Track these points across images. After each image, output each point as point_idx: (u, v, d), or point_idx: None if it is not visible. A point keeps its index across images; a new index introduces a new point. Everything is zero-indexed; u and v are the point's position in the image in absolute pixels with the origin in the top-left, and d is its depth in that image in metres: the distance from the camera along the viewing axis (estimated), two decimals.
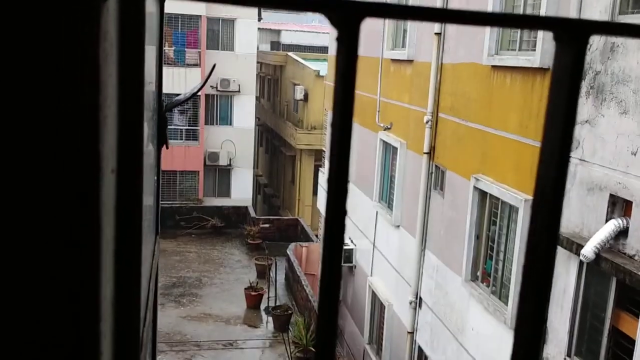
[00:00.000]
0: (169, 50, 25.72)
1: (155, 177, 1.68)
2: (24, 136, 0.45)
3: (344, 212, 0.48)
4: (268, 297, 17.99)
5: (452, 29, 10.16)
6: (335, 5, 0.47)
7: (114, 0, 0.55)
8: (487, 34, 8.78)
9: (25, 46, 0.44)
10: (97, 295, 0.51)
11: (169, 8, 26.87)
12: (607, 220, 6.34)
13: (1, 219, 0.46)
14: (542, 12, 7.53)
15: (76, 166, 0.47)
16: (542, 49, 7.50)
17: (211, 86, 26.41)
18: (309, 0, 0.48)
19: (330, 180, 0.47)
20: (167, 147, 1.75)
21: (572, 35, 0.50)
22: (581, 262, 6.66)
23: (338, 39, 0.49)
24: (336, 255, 0.46)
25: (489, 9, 8.74)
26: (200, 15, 25.73)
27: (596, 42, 6.66)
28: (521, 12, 8.28)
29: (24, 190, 0.46)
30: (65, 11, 0.43)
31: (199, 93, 25.69)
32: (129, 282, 0.71)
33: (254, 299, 18.08)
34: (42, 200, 0.46)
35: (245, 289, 18.30)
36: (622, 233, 6.19)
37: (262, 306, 18.15)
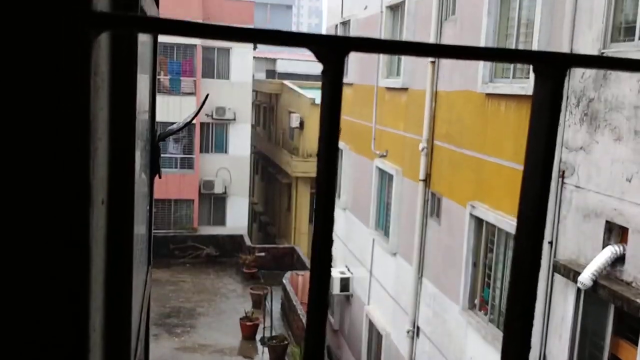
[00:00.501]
0: (164, 79, 25.89)
1: (148, 207, 1.67)
2: (13, 167, 0.45)
3: (330, 240, 0.48)
4: (264, 327, 17.79)
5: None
6: (320, 41, 0.48)
7: (106, 35, 0.56)
8: (481, 62, 8.88)
9: (17, 80, 0.44)
10: (86, 326, 0.50)
11: (164, 37, 27.13)
12: (603, 247, 6.34)
13: None
14: (535, 40, 7.63)
15: (66, 197, 0.46)
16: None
17: (206, 114, 26.52)
18: (295, 36, 0.49)
19: (317, 211, 0.47)
20: (159, 177, 1.75)
21: (551, 68, 0.51)
22: (579, 290, 6.63)
23: (323, 72, 0.50)
24: (324, 286, 0.45)
25: (482, 37, 8.86)
26: (196, 45, 25.97)
27: (588, 69, 6.74)
28: (514, 39, 8.39)
29: (12, 218, 0.46)
30: (57, 47, 0.43)
31: (194, 121, 25.78)
32: (119, 313, 0.70)
33: (249, 330, 17.88)
34: (31, 230, 0.46)
35: (240, 319, 18.11)
36: (619, 260, 6.17)
37: (258, 337, 17.94)
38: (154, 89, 1.76)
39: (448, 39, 10.18)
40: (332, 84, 0.48)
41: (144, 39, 1.32)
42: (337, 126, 0.51)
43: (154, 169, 1.65)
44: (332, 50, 0.49)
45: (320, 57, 0.49)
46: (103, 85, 0.56)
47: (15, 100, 0.44)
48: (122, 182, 0.67)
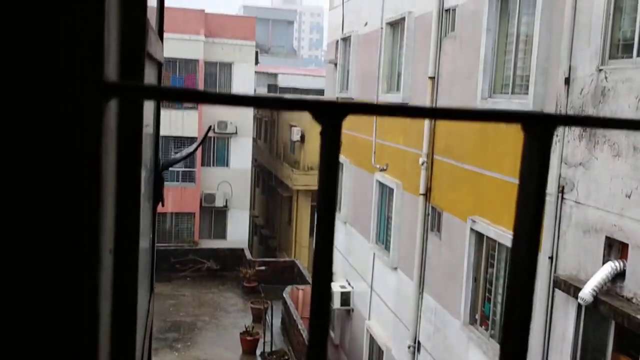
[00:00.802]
0: None
1: (151, 235, 1.70)
2: (27, 220, 0.48)
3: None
4: (264, 342, 17.72)
5: (445, 73, 10.33)
6: (320, 106, 0.51)
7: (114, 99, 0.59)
8: (480, 77, 8.94)
9: (33, 142, 0.47)
10: None
11: (167, 52, 27.17)
12: (604, 263, 6.34)
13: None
14: (534, 56, 7.68)
15: (75, 250, 0.49)
16: (534, 93, 7.63)
17: (211, 131, 26.55)
18: (296, 102, 0.52)
19: (314, 277, 0.50)
20: (162, 205, 1.78)
21: (539, 128, 0.54)
22: (579, 305, 6.63)
23: (321, 133, 0.52)
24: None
25: (482, 53, 8.92)
26: (198, 60, 26.11)
27: (587, 85, 6.78)
28: (513, 55, 8.45)
29: (22, 271, 0.48)
30: (70, 115, 0.46)
31: (195, 135, 25.86)
32: (123, 351, 0.72)
33: (249, 344, 17.81)
34: (42, 286, 0.48)
35: (240, 333, 18.05)
36: (620, 275, 6.18)
37: (258, 351, 17.86)
38: (159, 116, 1.80)
39: (447, 56, 10.25)
40: (330, 145, 0.51)
41: (150, 78, 1.35)
42: (335, 183, 0.54)
43: (157, 198, 1.68)
44: (331, 114, 0.51)
45: (319, 120, 0.52)
46: (111, 142, 0.59)
47: (31, 159, 0.47)
48: (129, 229, 0.70)
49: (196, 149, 2.58)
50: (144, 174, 1.38)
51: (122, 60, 0.71)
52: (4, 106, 0.45)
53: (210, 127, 3.32)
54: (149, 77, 1.26)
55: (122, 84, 0.46)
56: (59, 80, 0.45)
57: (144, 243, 1.37)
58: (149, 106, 1.44)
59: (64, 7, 0.45)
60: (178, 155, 2.59)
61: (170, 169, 26.20)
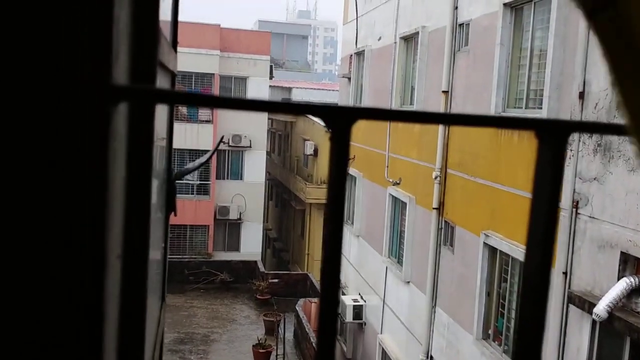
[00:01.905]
0: (182, 107, 26.19)
1: (163, 244, 1.71)
2: (35, 226, 0.48)
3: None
4: (277, 355, 17.66)
5: (459, 87, 10.33)
6: (330, 111, 0.52)
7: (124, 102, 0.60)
8: (494, 90, 8.92)
9: (38, 144, 0.48)
10: None
11: (182, 66, 27.34)
12: (619, 278, 6.27)
13: (5, 316, 0.49)
14: (548, 70, 7.65)
15: (81, 257, 0.50)
16: (548, 107, 7.60)
17: (223, 142, 26.73)
18: (306, 106, 0.52)
19: (323, 268, 0.50)
20: (175, 215, 1.79)
21: (552, 135, 0.53)
22: (594, 321, 6.54)
23: (331, 139, 0.53)
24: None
25: (495, 68, 8.90)
26: (214, 74, 26.31)
27: (602, 100, 6.74)
28: (527, 69, 8.42)
29: (26, 277, 0.49)
30: (77, 119, 0.47)
31: (210, 149, 25.99)
32: None
33: (262, 357, 17.75)
34: (47, 292, 0.49)
35: (253, 346, 18.00)
36: (635, 291, 6.10)
37: None
38: (172, 125, 1.82)
39: (461, 70, 10.25)
40: (340, 150, 0.51)
41: (159, 74, 1.36)
42: (344, 189, 0.54)
43: (170, 207, 1.69)
44: (341, 118, 0.52)
45: (329, 125, 0.52)
46: (121, 148, 0.59)
47: (38, 164, 0.48)
48: (138, 236, 0.71)
49: (209, 158, 2.60)
50: (156, 183, 1.39)
51: (133, 67, 0.72)
52: (9, 107, 0.46)
53: (222, 137, 3.35)
54: (162, 86, 1.28)
55: (130, 87, 0.47)
56: (65, 82, 0.46)
57: (156, 252, 1.38)
58: (162, 116, 1.45)
59: (71, 8, 0.46)
60: (191, 165, 2.61)
61: (185, 181, 26.36)
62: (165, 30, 1.38)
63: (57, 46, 0.46)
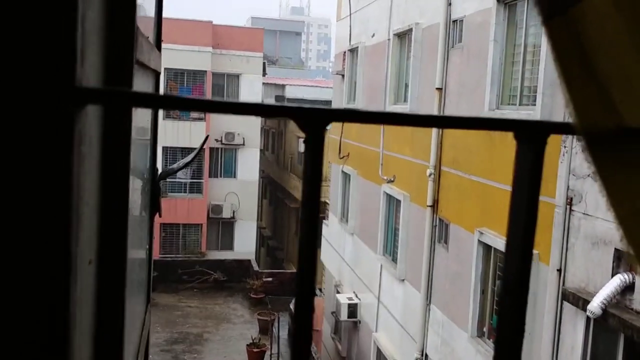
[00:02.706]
0: None
1: (148, 246, 1.68)
2: None
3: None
4: (270, 354, 17.66)
5: (453, 84, 10.32)
6: (303, 113, 0.50)
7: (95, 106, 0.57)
8: (488, 87, 8.92)
9: None
10: None
11: (175, 64, 27.20)
12: (613, 275, 6.28)
13: None
14: (542, 67, 7.65)
15: (47, 262, 0.47)
16: (542, 104, 7.60)
17: (216, 139, 26.70)
18: (279, 108, 0.51)
19: (299, 268, 0.49)
20: (160, 216, 1.76)
21: (531, 136, 0.52)
22: (588, 318, 6.56)
23: (305, 141, 0.51)
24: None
25: (489, 64, 8.90)
26: (206, 71, 26.25)
27: None
28: (520, 66, 8.42)
29: None
30: (40, 122, 0.44)
31: (204, 147, 25.94)
32: None
33: (256, 356, 17.74)
34: (9, 298, 0.47)
35: (247, 345, 17.99)
36: (629, 288, 6.11)
37: None
38: (156, 125, 1.79)
39: (454, 67, 10.24)
40: (314, 151, 0.50)
41: (142, 73, 1.34)
42: (319, 191, 0.52)
43: (154, 208, 1.67)
44: (314, 120, 0.50)
45: (302, 127, 0.51)
46: (91, 149, 0.57)
47: None
48: (115, 240, 0.68)
49: (193, 158, 2.58)
50: (139, 184, 1.36)
51: (107, 67, 0.70)
52: None
53: (208, 136, 3.34)
54: (144, 85, 1.25)
55: (96, 90, 0.45)
56: (25, 84, 0.44)
57: (139, 253, 1.36)
58: (145, 116, 1.42)
59: (32, 8, 0.44)
60: (175, 166, 2.59)
61: (178, 180, 26.30)
62: (148, 29, 1.35)
63: (16, 48, 0.44)
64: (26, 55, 0.43)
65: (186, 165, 2.64)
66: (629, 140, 0.48)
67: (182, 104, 0.49)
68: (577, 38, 0.46)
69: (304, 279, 0.46)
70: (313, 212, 0.50)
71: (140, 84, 1.14)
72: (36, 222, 0.46)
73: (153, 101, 0.47)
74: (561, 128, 0.53)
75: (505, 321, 0.52)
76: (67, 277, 0.48)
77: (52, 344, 0.49)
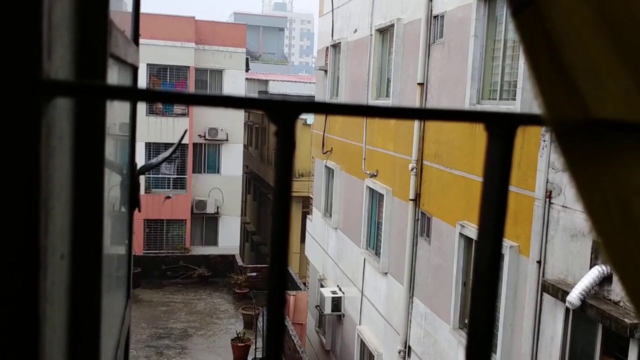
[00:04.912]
0: None
1: (127, 241, 1.68)
2: None
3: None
4: (255, 348, 17.66)
5: (434, 79, 10.37)
6: (273, 105, 0.51)
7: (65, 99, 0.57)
8: (469, 82, 8.98)
9: None
10: None
11: (157, 59, 26.98)
12: (591, 267, 6.37)
13: None
14: (521, 61, 7.72)
15: (14, 255, 0.47)
16: (522, 98, 7.66)
17: (199, 135, 26.57)
18: (250, 100, 0.51)
19: (270, 267, 0.49)
20: (139, 211, 1.76)
21: (502, 127, 0.53)
22: (567, 309, 6.65)
23: (276, 134, 0.52)
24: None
25: (469, 60, 8.95)
26: (189, 66, 26.09)
27: None
28: (501, 61, 8.49)
29: None
30: (2, 111, 0.44)
31: (187, 142, 25.81)
32: None
33: (241, 351, 17.73)
34: None
35: (232, 340, 17.97)
36: (607, 279, 6.20)
37: (250, 358, 17.79)
38: (135, 119, 1.78)
39: (436, 62, 10.29)
40: (285, 143, 0.51)
41: (119, 68, 1.33)
42: (290, 184, 0.53)
43: (133, 203, 1.66)
44: (284, 112, 0.51)
45: (273, 120, 0.51)
46: (61, 143, 0.57)
47: None
48: (89, 234, 0.68)
49: (172, 153, 2.57)
50: (118, 179, 1.36)
51: (80, 60, 0.70)
52: None
53: (186, 131, 3.32)
54: (120, 79, 1.25)
55: (63, 82, 0.45)
56: None
57: (117, 249, 1.35)
58: (123, 110, 1.42)
59: None
60: (154, 160, 2.58)
61: (162, 175, 26.14)
62: (125, 23, 1.34)
63: None
64: None
65: (166, 159, 2.63)
66: (596, 131, 0.48)
67: (153, 96, 0.49)
68: (545, 29, 0.46)
69: (276, 278, 0.46)
70: (284, 205, 0.51)
71: (117, 78, 1.14)
72: (2, 215, 0.46)
73: (121, 93, 0.48)
74: (530, 119, 0.54)
75: (476, 308, 0.53)
76: (36, 271, 0.48)
77: (19, 341, 0.49)
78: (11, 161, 0.45)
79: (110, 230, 1.06)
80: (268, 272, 0.50)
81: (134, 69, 1.53)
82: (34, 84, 0.44)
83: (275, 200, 0.51)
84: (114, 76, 1.09)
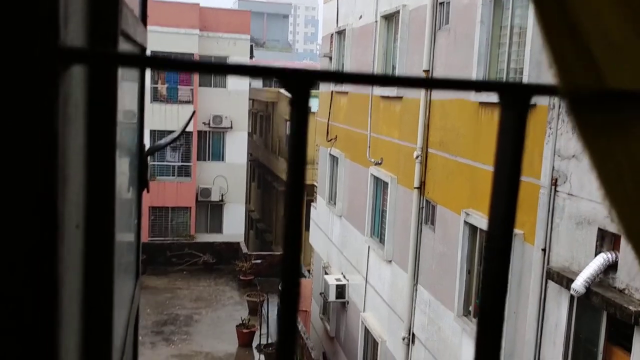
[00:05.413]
0: (162, 88, 25.94)
1: (136, 220, 1.69)
2: None
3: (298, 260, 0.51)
4: (260, 335, 17.77)
5: (440, 65, 10.32)
6: (288, 74, 0.51)
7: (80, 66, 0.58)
8: (475, 68, 8.94)
9: None
10: (55, 351, 0.51)
11: (161, 47, 26.95)
12: (596, 254, 6.36)
13: None
14: (527, 48, 7.67)
15: (32, 224, 0.48)
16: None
17: (204, 123, 26.57)
18: (266, 69, 0.51)
19: (285, 233, 0.50)
20: (147, 191, 1.77)
21: (515, 98, 0.53)
22: (572, 297, 6.65)
23: (291, 103, 0.52)
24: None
25: (475, 46, 8.91)
26: (193, 54, 26.03)
27: None
28: (507, 47, 8.44)
29: None
30: (23, 82, 0.45)
31: (191, 130, 25.82)
32: (98, 337, 0.72)
33: (245, 337, 17.85)
34: None
35: (237, 326, 18.08)
36: (612, 267, 6.20)
37: (254, 344, 17.91)
38: (143, 101, 1.79)
39: (441, 48, 10.24)
40: (300, 112, 0.51)
41: (127, 49, 1.34)
42: (304, 153, 0.53)
43: (142, 183, 1.67)
44: (299, 81, 0.51)
45: (288, 89, 0.51)
46: (76, 112, 0.58)
47: None
48: (100, 206, 0.69)
49: (180, 134, 2.57)
50: (127, 158, 1.37)
51: (93, 34, 0.70)
52: None
53: (194, 112, 3.33)
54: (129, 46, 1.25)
55: (81, 49, 0.45)
56: (9, 45, 0.44)
57: (127, 228, 1.36)
58: (131, 90, 1.42)
59: None
60: (162, 141, 2.59)
61: (166, 163, 26.18)
62: (133, 2, 1.34)
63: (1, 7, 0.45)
64: (8, 16, 0.44)
65: (174, 140, 2.64)
66: (610, 101, 0.48)
67: (166, 65, 0.50)
68: (564, 4, 0.45)
69: (290, 259, 0.47)
70: (298, 178, 0.51)
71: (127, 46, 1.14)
72: (23, 181, 0.47)
73: (137, 61, 0.48)
74: (545, 90, 0.54)
75: (487, 284, 0.54)
76: (55, 237, 0.49)
77: (39, 303, 0.50)
78: (31, 126, 0.45)
79: (121, 208, 1.07)
80: (282, 240, 0.50)
81: (142, 49, 1.53)
82: (52, 51, 0.45)
83: (290, 167, 0.52)
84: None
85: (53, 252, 0.47)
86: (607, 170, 0.51)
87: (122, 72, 0.97)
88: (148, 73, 24.38)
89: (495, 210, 0.56)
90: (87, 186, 0.65)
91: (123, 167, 1.20)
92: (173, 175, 26.45)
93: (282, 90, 30.66)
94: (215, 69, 0.50)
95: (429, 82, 0.56)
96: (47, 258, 0.47)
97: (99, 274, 0.72)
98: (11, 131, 0.45)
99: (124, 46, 0.94)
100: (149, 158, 1.80)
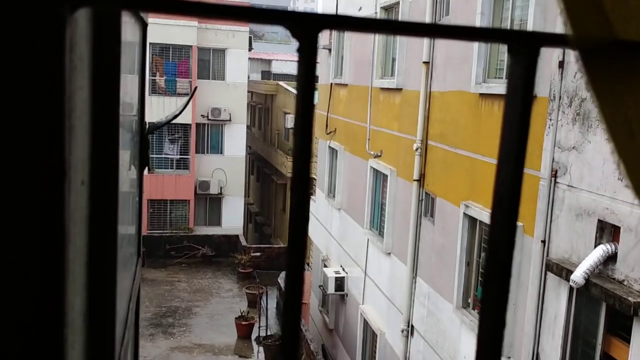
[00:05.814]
0: (160, 80, 25.86)
1: (138, 198, 1.68)
2: None
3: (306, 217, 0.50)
4: (259, 327, 17.80)
5: (440, 58, 10.30)
6: (295, 18, 0.49)
7: (86, 15, 0.57)
8: (475, 60, 8.92)
9: None
10: (62, 304, 0.51)
11: (160, 38, 26.86)
12: (595, 246, 6.37)
13: None
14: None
15: (39, 173, 0.47)
16: None
17: (202, 115, 26.52)
18: (270, 13, 0.50)
19: (293, 189, 0.49)
20: (149, 171, 1.76)
21: (524, 47, 0.52)
22: (571, 288, 6.66)
23: (298, 50, 0.51)
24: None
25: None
26: (192, 46, 25.96)
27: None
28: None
29: None
30: (28, 23, 0.44)
31: (190, 122, 25.77)
32: (103, 291, 0.71)
33: (244, 329, 17.88)
34: (3, 205, 0.47)
35: (236, 318, 18.12)
36: (611, 258, 6.21)
37: (253, 336, 17.94)
38: (143, 84, 1.78)
39: (441, 40, 10.20)
40: (306, 61, 0.50)
41: (132, 37, 1.33)
42: (312, 103, 0.52)
43: (144, 161, 1.66)
44: (308, 25, 0.50)
45: (294, 35, 0.50)
46: (82, 65, 0.57)
47: None
48: (105, 163, 0.68)
49: (181, 111, 2.57)
50: (129, 136, 1.36)
51: None
52: None
53: (196, 88, 3.32)
54: (132, 32, 1.24)
55: None
56: None
57: (129, 202, 1.35)
58: (132, 78, 1.41)
59: None
60: (164, 118, 2.58)
61: (165, 156, 26.14)
62: None
63: None
64: None
65: (175, 117, 2.64)
66: (620, 51, 0.48)
67: (170, 6, 0.49)
68: None
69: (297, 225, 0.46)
70: (307, 135, 0.50)
71: (132, 33, 1.13)
72: (29, 128, 0.46)
73: (139, 3, 0.47)
74: (554, 39, 0.53)
75: (491, 268, 0.53)
76: (61, 185, 0.48)
77: (46, 256, 0.50)
78: (38, 68, 0.44)
79: (123, 185, 1.06)
80: (291, 194, 0.49)
81: (144, 26, 1.52)
82: None
83: (297, 118, 0.50)
84: (126, 28, 1.08)
85: (60, 205, 0.47)
86: (616, 122, 0.51)
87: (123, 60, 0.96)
88: (147, 61, 24.27)
89: (504, 165, 0.55)
90: (92, 142, 0.64)
91: (125, 143, 1.19)
92: (172, 168, 26.43)
93: (281, 83, 30.50)
94: (217, 12, 0.49)
95: (435, 28, 0.54)
96: (53, 211, 0.46)
97: (103, 229, 0.71)
98: (18, 74, 0.45)
99: (126, 19, 0.93)
100: (149, 137, 1.80)
